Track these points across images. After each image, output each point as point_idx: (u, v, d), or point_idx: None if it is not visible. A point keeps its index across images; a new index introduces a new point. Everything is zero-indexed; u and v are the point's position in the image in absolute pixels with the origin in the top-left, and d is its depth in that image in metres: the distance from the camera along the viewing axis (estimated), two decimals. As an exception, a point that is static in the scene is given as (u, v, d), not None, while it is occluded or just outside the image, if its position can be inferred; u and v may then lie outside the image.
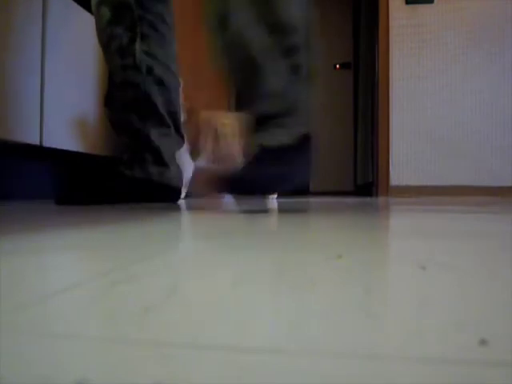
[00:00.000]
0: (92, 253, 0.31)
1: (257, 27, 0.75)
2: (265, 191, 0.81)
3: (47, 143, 1.21)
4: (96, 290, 0.20)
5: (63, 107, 1.29)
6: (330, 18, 3.57)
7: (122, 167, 1.11)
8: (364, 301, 0.18)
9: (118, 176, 1.10)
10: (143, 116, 1.12)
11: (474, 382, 0.11)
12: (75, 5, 1.33)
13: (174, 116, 1.19)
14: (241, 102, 0.85)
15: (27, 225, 0.51)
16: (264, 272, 0.25)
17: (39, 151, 1.29)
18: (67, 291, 0.19)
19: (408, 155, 2.39)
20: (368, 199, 1.82)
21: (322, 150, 3.52)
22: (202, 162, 1.55)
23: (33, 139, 1.16)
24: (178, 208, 0.96)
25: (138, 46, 1.10)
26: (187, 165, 1.47)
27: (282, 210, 0.95)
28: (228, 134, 1.57)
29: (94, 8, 1.13)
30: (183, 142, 1.25)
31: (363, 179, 2.96)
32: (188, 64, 1.86)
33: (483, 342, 0.13)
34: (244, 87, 0.83)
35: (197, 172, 1.46)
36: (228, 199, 1.59)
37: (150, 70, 1.11)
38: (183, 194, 1.38)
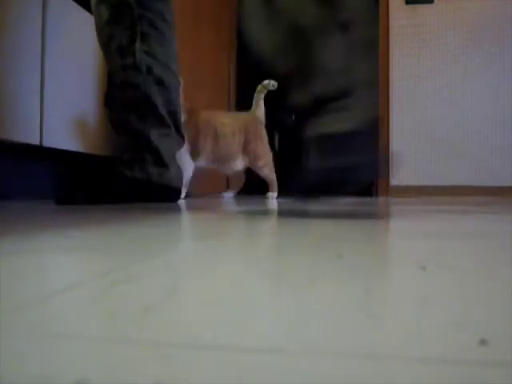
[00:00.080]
0: (92, 253, 0.31)
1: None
2: (331, 189, 0.83)
3: (47, 143, 1.21)
4: (96, 290, 0.20)
5: (63, 107, 1.29)
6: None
7: (122, 167, 1.10)
8: (364, 301, 0.18)
9: (118, 176, 1.09)
10: (143, 116, 1.11)
11: (474, 382, 0.11)
12: (75, 4, 1.33)
13: (174, 116, 1.19)
14: (291, 85, 0.85)
15: (27, 225, 0.51)
16: (264, 272, 0.25)
17: (39, 151, 1.29)
18: (67, 291, 0.19)
19: (408, 155, 2.39)
20: (368, 199, 1.82)
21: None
22: (202, 161, 1.55)
23: (33, 139, 1.16)
24: (178, 208, 0.96)
25: (138, 45, 1.10)
26: (187, 165, 1.46)
27: (281, 209, 0.95)
28: (227, 133, 1.57)
29: (93, 7, 1.13)
30: (183, 142, 1.25)
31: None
32: (188, 64, 1.86)
33: (483, 342, 0.13)
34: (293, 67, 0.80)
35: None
36: (228, 199, 1.59)
37: (149, 70, 1.11)
38: (183, 194, 1.38)
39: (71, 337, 0.14)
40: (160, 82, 1.13)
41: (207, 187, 2.10)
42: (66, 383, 0.10)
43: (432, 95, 2.39)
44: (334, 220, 0.64)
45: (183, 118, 1.40)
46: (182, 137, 1.23)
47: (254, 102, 1.71)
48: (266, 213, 0.82)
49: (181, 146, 1.23)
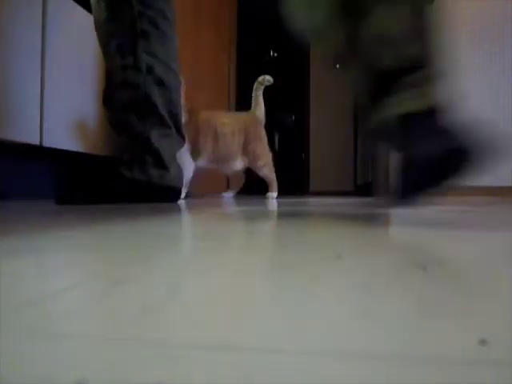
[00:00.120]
0: (92, 253, 0.31)
1: None
2: (433, 184, 0.55)
3: (47, 143, 1.21)
4: (96, 290, 0.20)
5: (63, 107, 1.29)
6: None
7: (121, 168, 1.10)
8: (364, 301, 0.18)
9: (118, 177, 1.09)
10: (143, 116, 1.11)
11: (473, 382, 0.11)
12: (75, 4, 1.33)
13: (175, 117, 1.18)
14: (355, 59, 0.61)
15: (27, 225, 0.51)
16: (264, 272, 0.25)
17: (39, 151, 1.29)
18: (67, 291, 0.19)
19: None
20: (368, 199, 1.82)
21: (322, 150, 3.51)
22: (203, 161, 1.55)
23: (33, 139, 1.16)
24: (178, 208, 0.96)
25: (138, 44, 1.09)
26: (188, 164, 1.46)
27: (281, 209, 0.95)
28: (227, 133, 1.57)
29: (93, 5, 1.12)
30: (184, 142, 1.25)
31: (363, 179, 2.96)
32: (189, 63, 1.86)
33: (483, 342, 0.13)
34: (352, 37, 0.60)
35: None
36: (228, 199, 1.59)
37: (150, 70, 1.10)
38: (183, 194, 1.38)
39: (71, 337, 0.14)
40: (160, 82, 1.12)
41: (207, 187, 2.10)
42: (65, 383, 0.10)
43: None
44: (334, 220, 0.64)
45: (184, 118, 1.40)
46: (183, 137, 1.23)
47: (252, 99, 1.71)
48: (265, 211, 0.82)
49: (181, 146, 1.23)
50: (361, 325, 0.15)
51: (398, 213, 0.78)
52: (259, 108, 1.70)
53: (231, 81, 2.80)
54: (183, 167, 1.26)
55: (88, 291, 0.20)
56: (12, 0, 1.09)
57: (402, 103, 0.55)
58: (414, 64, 0.56)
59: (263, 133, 1.69)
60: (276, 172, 1.72)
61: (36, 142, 1.17)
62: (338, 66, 0.66)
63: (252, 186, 2.06)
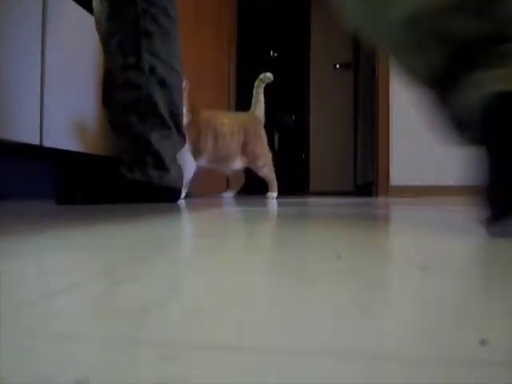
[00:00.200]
0: (92, 253, 0.31)
1: None
2: None
3: (47, 143, 1.21)
4: (96, 290, 0.20)
5: (63, 107, 1.29)
6: (329, 17, 3.57)
7: (121, 168, 1.10)
8: (364, 301, 0.18)
9: (118, 177, 1.09)
10: (144, 117, 1.10)
11: (474, 382, 0.11)
12: (75, 4, 1.33)
13: (176, 118, 1.17)
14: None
15: (27, 225, 0.51)
16: (264, 272, 0.25)
17: (39, 151, 1.29)
18: (67, 291, 0.19)
19: (408, 155, 2.38)
20: (368, 199, 1.82)
21: (322, 150, 3.50)
22: (204, 161, 1.55)
23: (33, 139, 1.16)
24: (178, 208, 0.96)
25: (141, 44, 1.07)
26: (189, 164, 1.47)
27: (281, 209, 0.95)
28: (227, 133, 1.57)
29: (95, 3, 1.10)
30: (185, 142, 1.25)
31: (363, 179, 2.96)
32: (191, 64, 1.86)
33: (483, 342, 0.13)
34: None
35: None
36: (228, 199, 1.59)
37: (152, 70, 1.09)
38: (183, 194, 1.38)
39: (71, 337, 0.14)
40: (163, 83, 1.11)
41: (207, 187, 2.10)
42: (65, 383, 0.10)
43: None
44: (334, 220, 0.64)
45: (187, 118, 1.40)
46: (184, 137, 1.23)
47: (253, 97, 1.71)
48: (265, 211, 0.82)
49: (182, 146, 1.23)
50: (361, 325, 0.15)
51: (398, 214, 0.78)
52: (259, 106, 1.70)
53: (231, 81, 2.80)
54: (184, 167, 1.26)
55: (88, 291, 0.20)
56: (12, 0, 1.09)
57: (503, 78, 0.40)
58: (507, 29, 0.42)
59: (263, 133, 1.69)
60: (276, 172, 1.72)
61: (36, 142, 1.17)
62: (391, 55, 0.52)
63: (252, 186, 2.06)
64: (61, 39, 1.26)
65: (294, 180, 3.55)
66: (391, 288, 0.21)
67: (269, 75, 1.69)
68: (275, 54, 3.81)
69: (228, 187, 1.89)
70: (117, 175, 1.09)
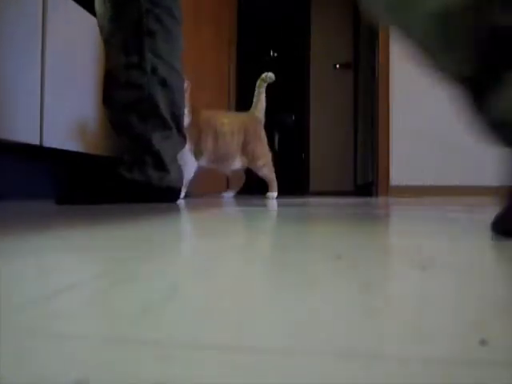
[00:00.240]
0: (92, 253, 0.31)
1: None
2: None
3: (47, 143, 1.21)
4: (96, 290, 0.20)
5: (63, 107, 1.29)
6: (329, 17, 3.57)
7: (121, 168, 1.10)
8: (364, 301, 0.18)
9: (118, 177, 1.09)
10: (144, 118, 1.10)
11: (474, 382, 0.11)
12: (75, 4, 1.33)
13: (177, 118, 1.17)
14: None
15: (28, 225, 0.51)
16: (264, 272, 0.25)
17: (39, 151, 1.29)
18: (67, 291, 0.19)
19: (408, 155, 2.38)
20: (368, 199, 1.82)
21: (322, 150, 3.49)
22: (204, 161, 1.55)
23: (33, 139, 1.16)
24: (178, 208, 0.96)
25: (144, 43, 1.07)
26: (190, 164, 1.47)
27: (281, 209, 0.95)
28: (227, 133, 1.58)
29: (97, 2, 1.09)
30: (185, 143, 1.24)
31: (363, 179, 2.96)
32: (192, 64, 1.86)
33: (483, 342, 0.13)
34: None
35: None
36: (228, 199, 1.59)
37: (154, 70, 1.09)
38: (183, 194, 1.38)
39: (71, 337, 0.14)
40: (164, 83, 1.11)
41: (207, 187, 2.10)
42: (65, 383, 0.10)
43: (432, 95, 2.39)
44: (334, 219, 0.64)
45: (189, 118, 1.40)
46: (184, 137, 1.22)
47: (254, 97, 1.71)
48: (265, 211, 0.82)
49: (182, 146, 1.23)
50: (361, 325, 0.15)
51: (398, 214, 0.78)
52: (260, 105, 1.70)
53: (231, 81, 2.80)
54: (185, 167, 1.26)
55: (88, 291, 0.20)
56: (12, 0, 1.09)
57: None
58: None
59: (263, 133, 1.69)
60: (276, 172, 1.72)
61: (36, 142, 1.17)
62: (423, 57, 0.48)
63: (252, 186, 2.06)
64: (61, 39, 1.26)
65: (294, 180, 3.55)
66: (391, 288, 0.21)
67: (270, 75, 1.69)
68: (275, 54, 3.81)
69: (228, 187, 1.89)
70: (116, 175, 1.09)
